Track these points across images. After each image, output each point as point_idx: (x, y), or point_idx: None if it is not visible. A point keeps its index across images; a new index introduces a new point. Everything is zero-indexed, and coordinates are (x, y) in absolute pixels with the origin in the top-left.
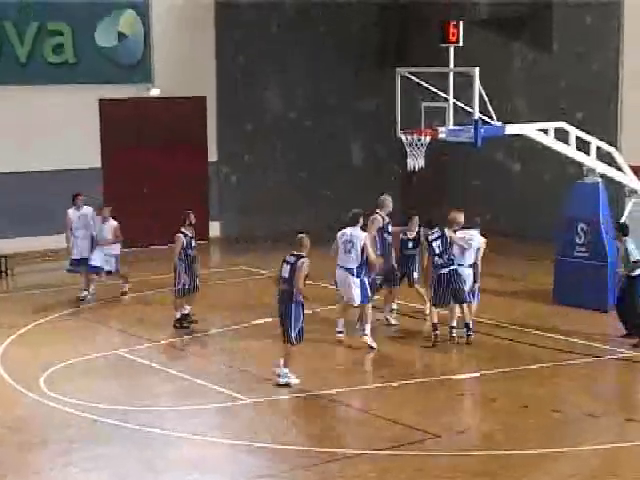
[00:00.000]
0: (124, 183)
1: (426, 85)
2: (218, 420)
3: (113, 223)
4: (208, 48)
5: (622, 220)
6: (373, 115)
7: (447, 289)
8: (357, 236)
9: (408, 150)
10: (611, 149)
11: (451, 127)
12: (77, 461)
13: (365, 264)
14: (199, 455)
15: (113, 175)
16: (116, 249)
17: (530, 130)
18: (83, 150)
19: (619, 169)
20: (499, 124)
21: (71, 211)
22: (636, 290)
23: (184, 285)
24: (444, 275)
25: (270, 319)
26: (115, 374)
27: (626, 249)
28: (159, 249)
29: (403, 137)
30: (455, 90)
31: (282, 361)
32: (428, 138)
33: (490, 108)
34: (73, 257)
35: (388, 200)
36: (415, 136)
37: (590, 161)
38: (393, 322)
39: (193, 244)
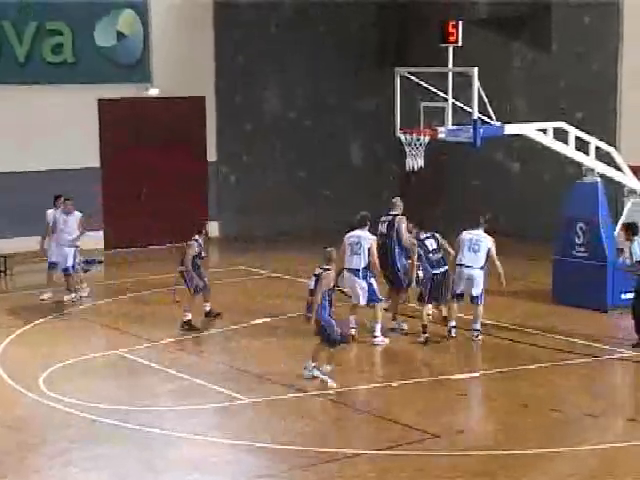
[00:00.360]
0: (123, 183)
1: (425, 85)
2: (217, 420)
3: (78, 214)
4: (207, 48)
5: (622, 220)
6: (372, 115)
7: (438, 289)
8: (365, 238)
9: (407, 150)
10: (610, 149)
11: (450, 127)
12: (76, 461)
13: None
14: (199, 455)
15: (112, 175)
16: (78, 241)
17: (529, 130)
18: (82, 150)
19: (618, 169)
20: (498, 124)
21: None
22: None
23: (197, 285)
24: (438, 275)
25: (269, 319)
26: (114, 374)
27: (631, 249)
28: (158, 249)
29: (402, 137)
30: (454, 90)
31: (320, 360)
32: (427, 138)
33: (489, 108)
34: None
35: (397, 201)
36: (414, 136)
37: (589, 161)
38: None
39: (203, 254)
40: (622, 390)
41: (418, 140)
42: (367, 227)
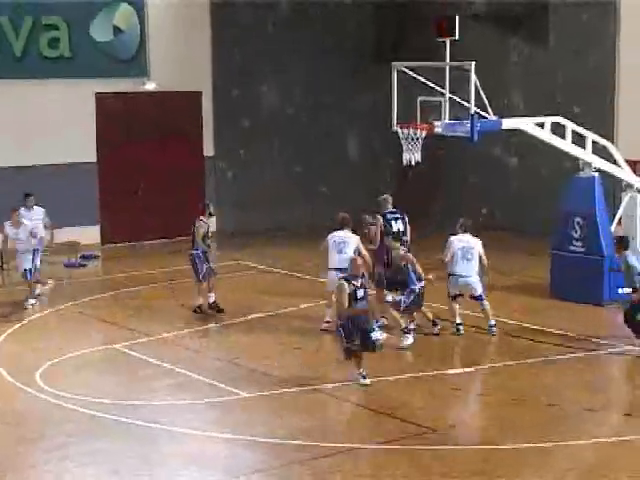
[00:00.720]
0: (120, 178)
1: (423, 80)
2: (214, 415)
3: (41, 209)
4: (204, 42)
5: (619, 214)
6: (370, 110)
7: (395, 277)
8: (351, 238)
9: (404, 144)
10: (607, 143)
11: (447, 121)
12: (74, 455)
13: None
14: (196, 449)
15: (109, 169)
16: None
17: (526, 124)
18: (79, 144)
19: (615, 163)
20: (495, 118)
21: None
22: None
23: (204, 270)
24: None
25: (263, 315)
26: (112, 369)
27: (627, 263)
28: (155, 244)
29: (399, 131)
30: (452, 85)
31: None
32: (424, 132)
33: (487, 102)
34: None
35: (382, 199)
36: (411, 130)
37: (586, 155)
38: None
39: (210, 234)
40: (619, 385)
41: (415, 134)
42: (348, 228)
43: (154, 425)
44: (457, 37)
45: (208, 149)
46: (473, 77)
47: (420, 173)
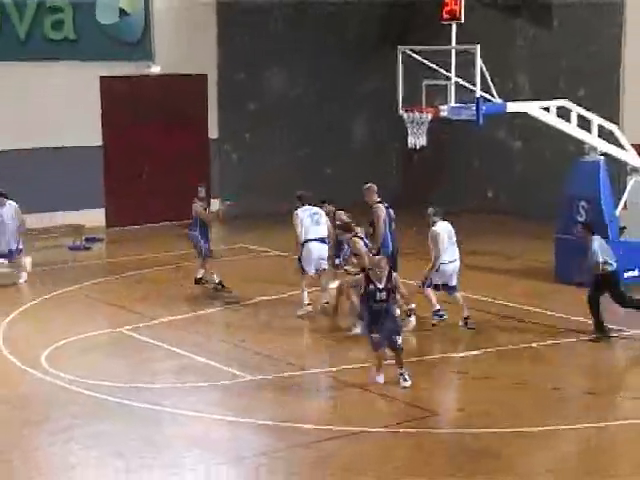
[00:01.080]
0: (125, 161)
1: (428, 63)
2: (218, 397)
3: (13, 205)
4: (209, 25)
5: (624, 198)
6: (375, 94)
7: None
8: (320, 210)
9: (409, 128)
10: (613, 127)
11: (453, 105)
12: (78, 437)
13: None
14: (200, 432)
15: (114, 153)
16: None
17: (532, 108)
18: (84, 128)
19: (621, 147)
20: (500, 102)
21: None
22: (617, 282)
23: (207, 249)
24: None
25: (269, 298)
26: (117, 352)
27: (592, 248)
28: (160, 226)
29: (404, 115)
30: (457, 68)
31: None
32: (430, 116)
33: (492, 85)
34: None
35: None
36: (417, 114)
37: (592, 139)
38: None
39: (208, 211)
40: (622, 368)
41: (420, 118)
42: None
43: (158, 407)
44: (462, 20)
45: (212, 132)
46: (478, 60)
47: (425, 157)
